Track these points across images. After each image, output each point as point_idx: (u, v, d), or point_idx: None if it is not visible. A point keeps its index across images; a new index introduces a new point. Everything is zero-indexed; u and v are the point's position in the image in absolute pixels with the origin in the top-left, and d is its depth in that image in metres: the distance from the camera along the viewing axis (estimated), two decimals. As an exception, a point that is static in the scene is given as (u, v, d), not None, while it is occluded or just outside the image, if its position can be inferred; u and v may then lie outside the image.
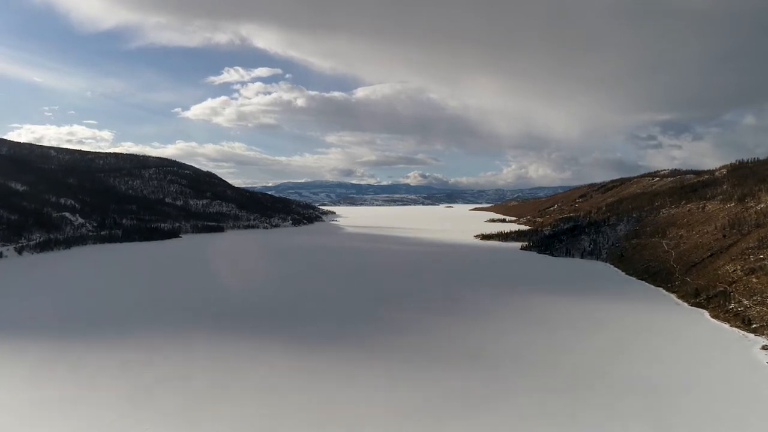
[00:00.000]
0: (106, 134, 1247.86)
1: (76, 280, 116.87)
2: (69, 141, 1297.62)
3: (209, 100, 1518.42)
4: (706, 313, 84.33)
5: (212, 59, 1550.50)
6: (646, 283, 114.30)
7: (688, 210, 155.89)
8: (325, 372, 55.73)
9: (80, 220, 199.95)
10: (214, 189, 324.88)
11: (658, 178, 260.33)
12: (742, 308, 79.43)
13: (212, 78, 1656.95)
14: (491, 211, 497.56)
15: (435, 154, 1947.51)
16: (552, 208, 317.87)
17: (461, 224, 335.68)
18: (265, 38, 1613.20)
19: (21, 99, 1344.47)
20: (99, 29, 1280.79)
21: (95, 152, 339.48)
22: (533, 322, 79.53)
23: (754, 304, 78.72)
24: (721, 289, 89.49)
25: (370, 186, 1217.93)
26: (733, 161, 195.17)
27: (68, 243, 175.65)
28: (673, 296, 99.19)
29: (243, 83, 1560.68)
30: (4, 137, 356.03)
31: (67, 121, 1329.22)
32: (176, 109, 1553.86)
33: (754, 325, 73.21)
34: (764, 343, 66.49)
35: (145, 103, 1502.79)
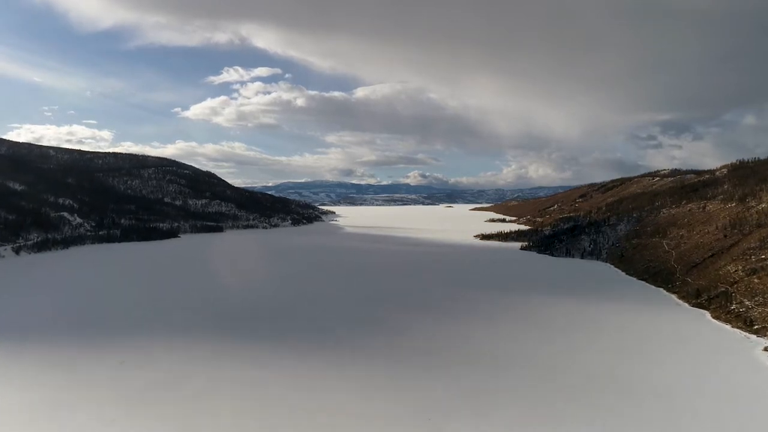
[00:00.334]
0: (105, 134, 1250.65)
1: (71, 280, 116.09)
2: (69, 141, 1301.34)
3: (209, 99, 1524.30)
4: (707, 314, 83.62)
5: (212, 59, 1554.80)
6: (647, 284, 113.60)
7: (689, 210, 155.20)
8: (324, 374, 55.03)
9: (78, 219, 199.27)
10: (214, 189, 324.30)
11: (658, 178, 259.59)
12: (743, 309, 78.72)
13: (212, 78, 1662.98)
14: (491, 211, 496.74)
15: (435, 154, 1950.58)
16: (552, 208, 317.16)
17: (461, 224, 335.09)
18: (264, 38, 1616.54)
19: (20, 99, 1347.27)
20: (98, 29, 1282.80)
21: (94, 152, 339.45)
22: (533, 324, 78.85)
23: (756, 305, 78.02)
24: (723, 289, 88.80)
25: (370, 186, 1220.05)
26: (734, 161, 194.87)
27: (66, 243, 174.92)
28: (673, 297, 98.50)
29: (243, 83, 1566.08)
30: (3, 137, 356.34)
31: (67, 120, 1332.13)
32: (176, 109, 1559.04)
33: (756, 326, 72.51)
34: (766, 345, 65.76)
35: (145, 102, 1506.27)
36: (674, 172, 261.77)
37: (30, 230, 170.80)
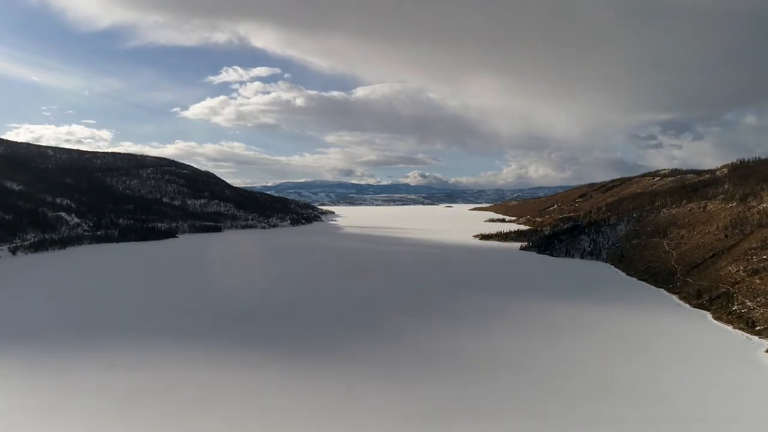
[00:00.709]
0: (105, 134, 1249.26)
1: (65, 281, 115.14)
2: (68, 141, 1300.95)
3: (208, 99, 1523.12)
4: (708, 315, 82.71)
5: (211, 59, 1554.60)
6: (647, 284, 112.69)
7: (689, 210, 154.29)
8: (320, 378, 54.07)
9: (76, 219, 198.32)
10: (212, 189, 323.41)
11: (658, 178, 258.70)
12: (745, 310, 77.82)
13: (211, 77, 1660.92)
14: (491, 210, 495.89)
15: (435, 153, 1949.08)
16: (552, 208, 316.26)
17: (461, 224, 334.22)
18: (263, 37, 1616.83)
19: (19, 98, 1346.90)
20: (96, 28, 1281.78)
21: (93, 152, 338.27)
22: (533, 326, 77.87)
23: (758, 306, 77.12)
24: (724, 290, 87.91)
25: (369, 186, 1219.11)
26: (734, 161, 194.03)
27: (63, 243, 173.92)
28: (674, 297, 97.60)
29: (242, 83, 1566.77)
30: (2, 137, 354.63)
31: (66, 120, 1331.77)
32: (175, 109, 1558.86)
33: (758, 327, 71.61)
34: (769, 346, 64.90)
35: (144, 102, 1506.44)
36: (674, 172, 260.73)
37: (27, 230, 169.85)
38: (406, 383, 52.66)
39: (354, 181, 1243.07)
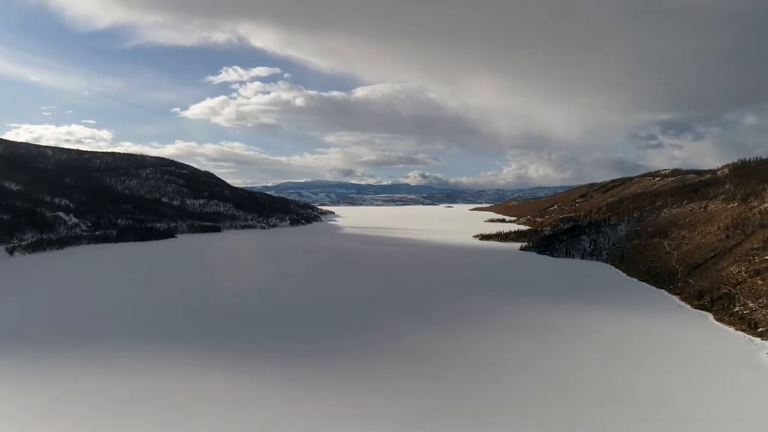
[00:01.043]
0: (105, 134, 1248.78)
1: (62, 281, 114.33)
2: (67, 141, 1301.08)
3: (208, 99, 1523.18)
4: (710, 316, 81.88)
5: (210, 59, 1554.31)
6: (648, 285, 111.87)
7: (690, 210, 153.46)
8: (318, 380, 53.31)
9: (74, 219, 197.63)
10: (212, 189, 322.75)
11: (659, 178, 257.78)
12: (747, 311, 77.00)
13: (211, 77, 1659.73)
14: (491, 211, 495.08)
15: (435, 153, 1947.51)
16: (552, 208, 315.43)
17: (460, 224, 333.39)
18: (263, 37, 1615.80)
19: (19, 98, 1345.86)
20: (95, 28, 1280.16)
21: (92, 152, 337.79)
22: (532, 328, 77.06)
23: (760, 307, 76.28)
24: (726, 291, 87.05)
25: (370, 186, 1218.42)
26: (735, 161, 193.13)
27: (61, 243, 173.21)
28: (675, 298, 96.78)
29: (242, 83, 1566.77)
30: (2, 137, 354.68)
31: (66, 120, 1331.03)
32: (175, 109, 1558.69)
33: (760, 329, 70.80)
34: (771, 348, 64.09)
35: (144, 102, 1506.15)
36: (675, 172, 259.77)
37: (25, 230, 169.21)
38: (405, 385, 51.91)
39: (354, 181, 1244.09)
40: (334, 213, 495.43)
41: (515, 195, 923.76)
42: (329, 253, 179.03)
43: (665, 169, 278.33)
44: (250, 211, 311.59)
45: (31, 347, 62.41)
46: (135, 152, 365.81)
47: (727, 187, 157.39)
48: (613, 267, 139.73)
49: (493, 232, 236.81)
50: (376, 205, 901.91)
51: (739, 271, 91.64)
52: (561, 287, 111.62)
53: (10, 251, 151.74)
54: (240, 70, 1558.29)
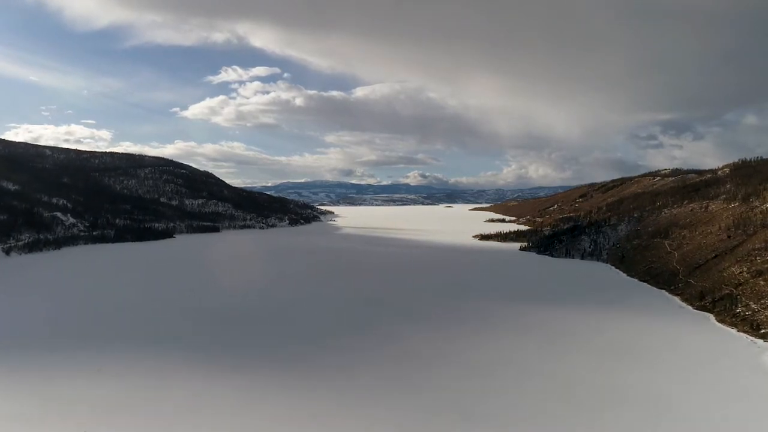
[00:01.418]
0: (104, 134, 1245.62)
1: (57, 282, 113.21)
2: (67, 141, 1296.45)
3: (207, 99, 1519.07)
4: (711, 317, 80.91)
5: (210, 58, 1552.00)
6: (648, 285, 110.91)
7: (691, 210, 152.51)
8: (314, 383, 52.43)
9: (72, 219, 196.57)
10: (211, 189, 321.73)
11: (659, 178, 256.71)
12: (749, 312, 76.03)
13: (210, 77, 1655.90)
14: (491, 211, 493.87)
15: (435, 153, 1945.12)
16: (552, 208, 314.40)
17: (460, 224, 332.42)
18: (261, 37, 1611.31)
19: (18, 98, 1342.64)
20: (93, 28, 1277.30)
21: (91, 151, 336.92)
22: (532, 329, 76.13)
23: (763, 308, 75.31)
24: (727, 291, 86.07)
25: (369, 186, 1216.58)
26: (736, 160, 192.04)
27: (58, 243, 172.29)
28: (676, 299, 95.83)
29: (241, 83, 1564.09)
30: (1, 137, 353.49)
31: (65, 120, 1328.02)
32: (174, 109, 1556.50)
33: (762, 331, 69.86)
34: (774, 350, 63.15)
35: (144, 102, 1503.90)
36: (675, 172, 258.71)
37: (22, 230, 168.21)
38: (404, 388, 51.06)
39: (354, 181, 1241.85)
40: (333, 213, 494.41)
41: (515, 195, 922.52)
42: (328, 254, 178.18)
43: (665, 169, 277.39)
44: (248, 211, 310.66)
45: (26, 349, 61.34)
46: (134, 152, 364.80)
47: (728, 186, 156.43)
48: (613, 267, 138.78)
49: (492, 232, 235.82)
50: (376, 205, 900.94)
51: (741, 272, 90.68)
52: (561, 288, 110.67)
53: (7, 251, 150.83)
54: (239, 70, 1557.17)
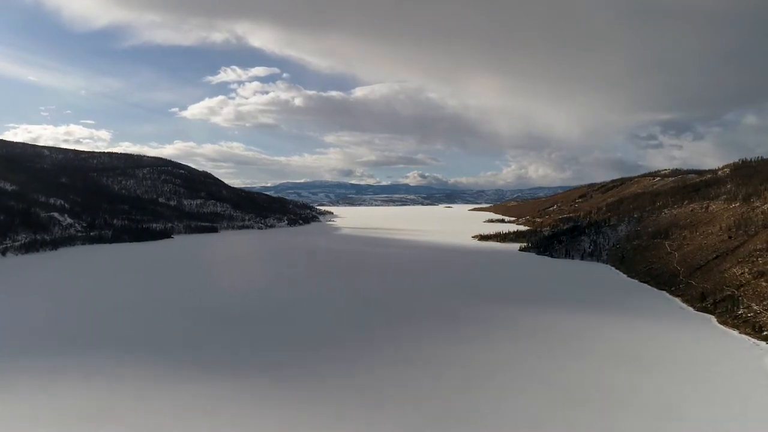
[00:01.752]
0: (103, 134, 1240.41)
1: (51, 283, 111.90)
2: (66, 141, 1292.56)
3: (207, 99, 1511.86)
4: (713, 319, 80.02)
5: (209, 58, 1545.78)
6: (649, 286, 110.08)
7: (691, 210, 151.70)
8: (312, 387, 51.52)
9: (69, 220, 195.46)
10: (209, 189, 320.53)
11: (659, 178, 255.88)
12: (751, 314, 75.13)
13: (209, 77, 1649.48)
14: (490, 211, 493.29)
15: (435, 154, 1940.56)
16: (551, 209, 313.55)
17: (460, 225, 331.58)
18: (260, 37, 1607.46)
19: (17, 98, 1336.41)
20: (92, 28, 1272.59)
21: (89, 152, 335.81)
22: (532, 331, 74.99)
23: (765, 310, 74.40)
24: (729, 293, 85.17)
25: (369, 186, 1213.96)
26: (736, 160, 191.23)
27: (55, 244, 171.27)
28: (677, 300, 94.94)
29: (240, 83, 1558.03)
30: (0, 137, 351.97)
31: (64, 120, 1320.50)
32: (174, 109, 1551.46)
33: (765, 333, 68.97)
34: (777, 353, 62.25)
35: (143, 102, 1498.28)
36: (675, 172, 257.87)
37: (18, 231, 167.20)
38: (401, 392, 50.07)
39: (353, 182, 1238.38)
40: (332, 213, 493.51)
41: (515, 195, 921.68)
42: (326, 254, 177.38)
43: (665, 169, 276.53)
44: (247, 212, 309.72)
45: (16, 353, 60.33)
46: (134, 152, 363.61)
47: (728, 187, 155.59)
48: (613, 268, 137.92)
49: (492, 233, 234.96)
50: (376, 205, 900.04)
51: (742, 273, 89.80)
52: (561, 289, 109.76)
53: (3, 252, 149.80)
54: (238, 70, 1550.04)
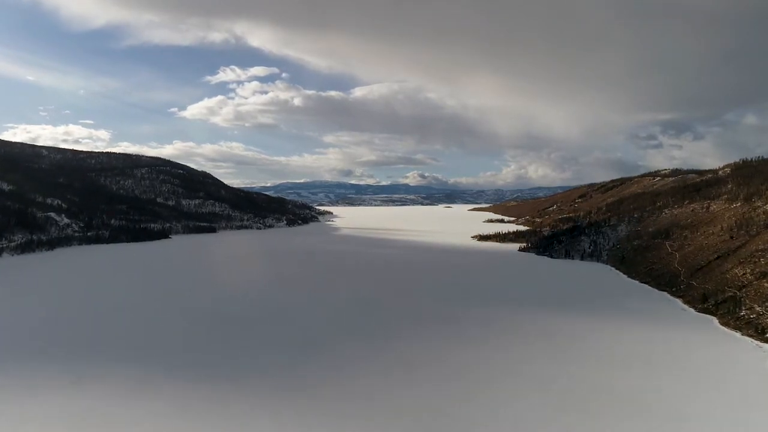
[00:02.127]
0: (102, 134, 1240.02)
1: (45, 284, 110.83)
2: (65, 141, 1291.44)
3: (206, 99, 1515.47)
4: (715, 320, 78.96)
5: (207, 58, 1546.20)
6: (649, 287, 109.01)
7: (692, 210, 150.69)
8: (308, 391, 50.44)
9: (66, 220, 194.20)
10: (208, 189, 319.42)
11: (659, 178, 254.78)
12: (754, 315, 74.06)
13: (208, 77, 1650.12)
14: (490, 211, 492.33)
15: (434, 154, 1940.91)
16: (551, 209, 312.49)
17: (459, 225, 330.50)
18: (259, 36, 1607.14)
19: (15, 98, 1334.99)
20: (90, 27, 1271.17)
21: (87, 151, 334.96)
22: (531, 333, 73.96)
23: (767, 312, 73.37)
24: (731, 294, 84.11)
25: (369, 186, 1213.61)
26: (737, 160, 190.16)
27: (51, 244, 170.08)
28: (678, 301, 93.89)
29: (239, 83, 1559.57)
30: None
31: (63, 120, 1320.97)
32: (173, 109, 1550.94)
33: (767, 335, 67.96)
34: (781, 355, 61.19)
35: (142, 102, 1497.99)
36: (675, 172, 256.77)
37: (14, 231, 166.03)
38: (400, 395, 49.05)
39: (353, 182, 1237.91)
40: (332, 213, 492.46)
41: (514, 195, 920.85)
42: (325, 255, 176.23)
43: (665, 169, 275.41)
44: (246, 212, 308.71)
45: (4, 357, 59.30)
46: (133, 152, 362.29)
47: (729, 186, 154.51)
48: (613, 268, 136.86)
49: (491, 233, 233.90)
50: (375, 205, 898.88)
51: (744, 274, 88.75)
52: (560, 290, 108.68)
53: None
54: (237, 70, 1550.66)
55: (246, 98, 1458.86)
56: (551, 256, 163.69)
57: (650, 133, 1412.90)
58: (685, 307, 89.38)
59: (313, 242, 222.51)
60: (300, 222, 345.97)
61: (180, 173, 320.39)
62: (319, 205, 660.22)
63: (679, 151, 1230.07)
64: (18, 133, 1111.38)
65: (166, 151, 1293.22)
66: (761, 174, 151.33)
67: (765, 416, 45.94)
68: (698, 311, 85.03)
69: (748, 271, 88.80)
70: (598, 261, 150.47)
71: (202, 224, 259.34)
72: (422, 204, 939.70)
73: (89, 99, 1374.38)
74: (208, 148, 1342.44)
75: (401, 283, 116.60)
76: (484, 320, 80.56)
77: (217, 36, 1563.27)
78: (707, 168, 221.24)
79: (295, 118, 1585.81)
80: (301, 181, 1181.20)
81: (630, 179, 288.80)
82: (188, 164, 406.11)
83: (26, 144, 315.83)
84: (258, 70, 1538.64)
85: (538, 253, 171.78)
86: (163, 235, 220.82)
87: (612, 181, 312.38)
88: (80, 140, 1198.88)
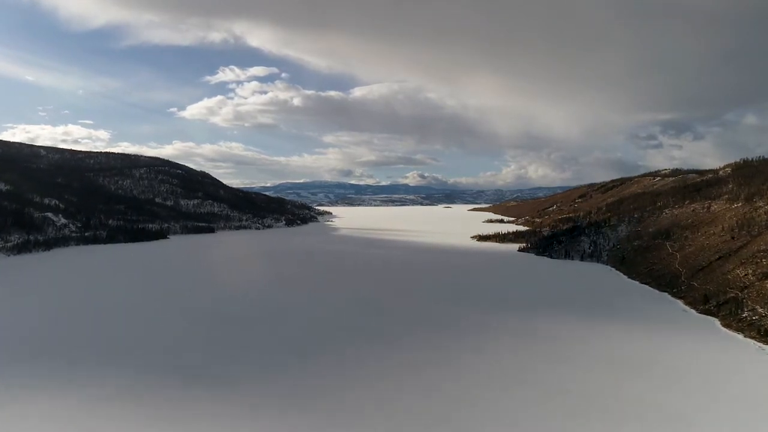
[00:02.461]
0: (102, 134, 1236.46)
1: (42, 285, 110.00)
2: (64, 141, 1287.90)
3: (205, 99, 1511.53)
4: (716, 322, 78.05)
5: (207, 58, 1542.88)
6: (650, 288, 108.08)
7: (693, 210, 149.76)
8: (306, 394, 49.51)
9: (63, 220, 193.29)
10: (206, 189, 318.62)
11: (659, 178, 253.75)
12: (756, 317, 73.15)
13: (208, 77, 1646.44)
14: (490, 211, 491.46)
15: (434, 154, 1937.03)
16: (551, 209, 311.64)
17: (459, 225, 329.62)
18: (258, 36, 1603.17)
19: (14, 98, 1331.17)
20: (89, 27, 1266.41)
21: (86, 151, 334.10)
22: (531, 336, 73.11)
23: (770, 313, 72.44)
24: (732, 295, 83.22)
25: (368, 186, 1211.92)
26: (737, 160, 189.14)
27: (48, 244, 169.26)
28: (679, 302, 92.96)
29: (239, 83, 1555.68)
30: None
31: (62, 120, 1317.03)
32: (172, 109, 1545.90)
33: (770, 336, 66.99)
34: (784, 357, 60.30)
35: (141, 102, 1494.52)
36: (676, 172, 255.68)
37: (11, 231, 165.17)
38: (399, 398, 48.13)
39: (353, 182, 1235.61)
40: (331, 213, 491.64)
41: (514, 195, 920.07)
42: (324, 255, 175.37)
43: (665, 169, 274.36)
44: (245, 212, 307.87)
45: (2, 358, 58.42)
46: (132, 152, 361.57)
47: (730, 186, 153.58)
48: (613, 269, 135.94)
49: (491, 233, 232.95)
50: (375, 205, 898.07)
51: (746, 274, 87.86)
52: (560, 291, 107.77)
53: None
54: (237, 70, 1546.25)
55: (245, 98, 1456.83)
56: (551, 257, 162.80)
57: (650, 133, 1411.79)
58: (687, 308, 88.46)
59: (313, 242, 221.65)
60: (299, 222, 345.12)
61: (179, 173, 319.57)
62: (318, 205, 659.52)
63: (679, 151, 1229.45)
64: (17, 133, 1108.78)
65: (166, 151, 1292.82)
66: (762, 174, 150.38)
67: (769, 420, 45.07)
68: (700, 312, 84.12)
69: (750, 271, 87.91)
70: (598, 261, 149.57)
71: (200, 224, 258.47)
72: (422, 204, 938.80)
73: (89, 99, 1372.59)
74: (207, 148, 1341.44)
75: (401, 284, 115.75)
76: (484, 322, 79.60)
77: (216, 36, 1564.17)
78: (707, 168, 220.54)
79: (294, 118, 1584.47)
80: (301, 181, 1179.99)
81: (630, 179, 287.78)
82: (188, 164, 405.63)
83: (24, 144, 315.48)
84: (257, 70, 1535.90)
85: (537, 254, 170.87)
86: (161, 235, 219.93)
87: (612, 181, 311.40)
88: (79, 140, 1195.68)
